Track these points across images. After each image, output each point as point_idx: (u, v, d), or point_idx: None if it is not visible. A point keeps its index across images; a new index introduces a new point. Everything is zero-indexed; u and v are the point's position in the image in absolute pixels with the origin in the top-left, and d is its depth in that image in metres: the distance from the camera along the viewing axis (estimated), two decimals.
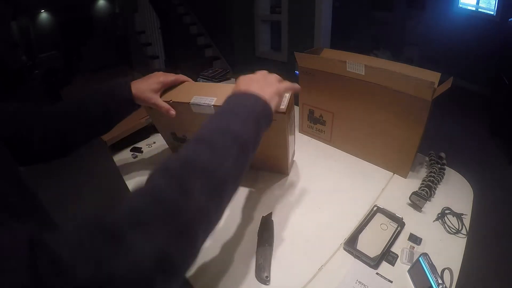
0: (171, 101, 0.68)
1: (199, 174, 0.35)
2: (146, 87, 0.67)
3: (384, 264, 0.55)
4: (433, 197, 0.69)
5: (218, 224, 0.38)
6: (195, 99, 0.66)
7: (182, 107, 0.68)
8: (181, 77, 0.71)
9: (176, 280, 0.31)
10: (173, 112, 0.67)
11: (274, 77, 0.54)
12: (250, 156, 0.43)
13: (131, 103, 0.67)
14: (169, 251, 0.29)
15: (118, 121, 0.71)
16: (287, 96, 0.61)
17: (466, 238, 0.60)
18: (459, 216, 0.64)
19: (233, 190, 0.40)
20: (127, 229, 0.27)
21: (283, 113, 0.59)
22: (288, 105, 0.60)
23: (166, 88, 0.71)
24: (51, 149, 0.62)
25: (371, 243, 0.57)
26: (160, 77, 0.68)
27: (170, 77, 0.69)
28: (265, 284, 0.52)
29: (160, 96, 0.69)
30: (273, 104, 0.49)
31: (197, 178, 0.35)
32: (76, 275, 0.23)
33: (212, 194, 0.35)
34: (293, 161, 0.82)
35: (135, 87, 0.66)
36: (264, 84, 0.50)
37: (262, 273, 0.52)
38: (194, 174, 0.35)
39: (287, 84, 0.55)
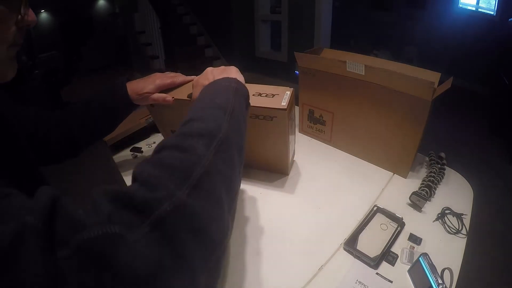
0: (173, 98, 0.68)
1: (197, 138, 0.34)
2: (141, 89, 0.67)
3: (384, 264, 0.55)
4: (433, 197, 0.69)
5: (237, 186, 0.38)
6: None
7: (183, 104, 0.68)
8: (179, 79, 0.71)
9: (205, 236, 0.28)
10: (170, 99, 0.67)
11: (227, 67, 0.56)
12: (241, 124, 0.43)
13: (129, 103, 0.68)
14: (187, 201, 0.27)
15: (120, 120, 0.73)
16: (287, 93, 0.62)
17: (466, 238, 0.60)
18: (459, 216, 0.64)
19: (238, 150, 0.39)
20: (140, 193, 0.26)
21: (284, 109, 0.59)
22: (289, 102, 0.60)
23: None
24: (64, 150, 0.67)
25: (371, 243, 0.57)
26: (157, 80, 0.68)
27: (167, 80, 0.69)
28: None
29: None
30: (242, 80, 0.53)
31: (197, 141, 0.33)
32: (85, 226, 0.23)
33: (218, 150, 0.34)
34: (293, 161, 0.82)
35: (130, 88, 0.67)
36: (225, 71, 0.54)
37: None
38: (192, 138, 0.34)
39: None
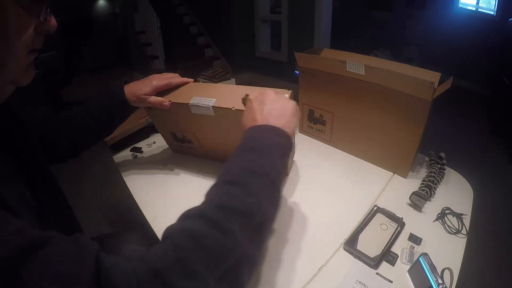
0: (170, 102, 0.68)
1: (237, 217, 0.34)
2: (138, 91, 0.68)
3: (384, 264, 0.55)
4: (433, 197, 0.69)
5: (259, 264, 0.38)
6: (194, 100, 0.66)
7: (181, 107, 0.68)
8: (175, 80, 0.71)
9: None
10: (166, 103, 0.68)
11: (287, 101, 0.51)
12: (281, 190, 0.43)
13: (127, 105, 0.69)
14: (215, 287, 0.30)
15: (120, 123, 0.74)
16: (286, 96, 0.61)
17: (466, 238, 0.60)
18: (459, 216, 0.64)
19: (271, 228, 0.40)
20: (177, 278, 0.29)
21: None
22: None
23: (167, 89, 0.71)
24: (68, 150, 0.69)
25: (371, 243, 0.57)
26: (153, 81, 0.69)
27: (164, 81, 0.69)
28: None
29: (161, 97, 0.69)
30: (293, 132, 0.48)
31: (236, 221, 0.34)
32: None
33: (253, 235, 0.35)
34: (293, 161, 0.82)
35: (128, 90, 0.68)
36: (283, 110, 0.48)
37: None
38: (232, 217, 0.34)
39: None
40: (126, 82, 0.70)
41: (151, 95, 0.68)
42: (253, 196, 0.37)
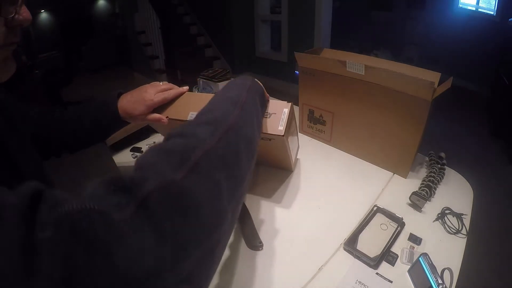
0: (167, 118, 0.64)
1: (202, 125, 0.35)
2: (132, 110, 0.64)
3: (384, 264, 0.55)
4: (433, 197, 0.69)
5: (243, 176, 0.36)
6: (191, 116, 0.63)
7: (179, 124, 0.65)
8: (170, 94, 0.66)
9: (196, 218, 0.26)
10: (164, 120, 0.64)
11: None
12: (253, 118, 0.43)
13: (119, 121, 0.66)
14: (176, 180, 0.26)
15: (111, 133, 0.72)
16: (285, 111, 0.59)
17: (466, 238, 0.60)
18: (459, 216, 0.64)
19: (247, 143, 0.38)
20: (134, 173, 0.26)
21: (281, 135, 0.57)
22: (286, 123, 0.58)
23: None
24: (62, 150, 0.68)
25: (371, 243, 0.57)
26: (147, 100, 0.64)
27: (158, 97, 0.64)
28: (258, 250, 0.58)
29: (158, 111, 0.65)
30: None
31: (202, 127, 0.34)
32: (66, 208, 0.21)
33: (222, 137, 0.34)
34: (297, 159, 0.82)
35: (121, 106, 0.64)
36: None
37: (255, 241, 0.59)
38: (197, 126, 0.35)
39: None
40: (120, 94, 0.66)
41: (147, 114, 0.64)
42: (218, 111, 0.38)
